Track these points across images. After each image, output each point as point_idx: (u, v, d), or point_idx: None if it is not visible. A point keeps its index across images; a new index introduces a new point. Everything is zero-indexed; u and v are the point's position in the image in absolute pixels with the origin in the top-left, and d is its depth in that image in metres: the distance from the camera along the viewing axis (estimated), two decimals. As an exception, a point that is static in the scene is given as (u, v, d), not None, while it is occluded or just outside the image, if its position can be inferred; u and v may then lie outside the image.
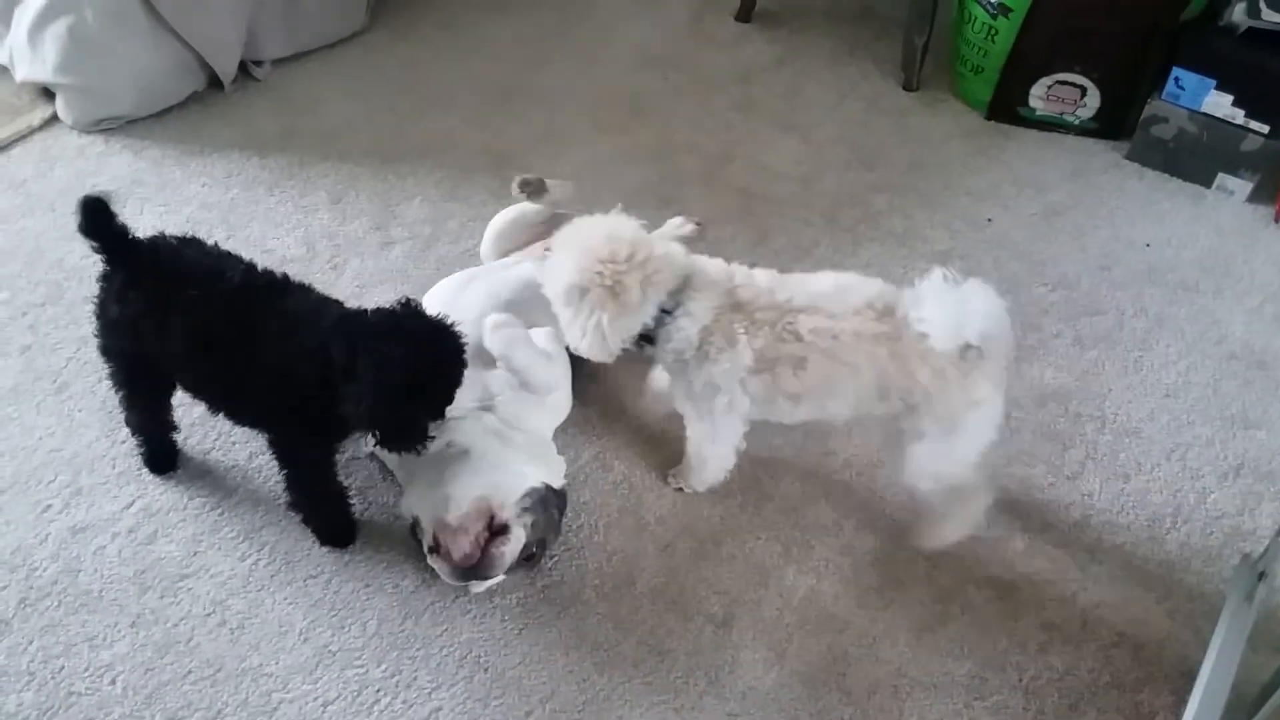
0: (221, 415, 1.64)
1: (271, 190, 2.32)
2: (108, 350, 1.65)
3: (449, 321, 1.46)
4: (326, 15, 2.70)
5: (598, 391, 1.94)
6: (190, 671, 1.56)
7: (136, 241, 1.55)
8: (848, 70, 2.74)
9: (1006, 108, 2.58)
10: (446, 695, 1.54)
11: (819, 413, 1.59)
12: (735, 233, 2.27)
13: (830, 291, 1.52)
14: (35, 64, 2.36)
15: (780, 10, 2.93)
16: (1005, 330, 1.47)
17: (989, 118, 2.60)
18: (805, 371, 1.49)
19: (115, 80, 2.37)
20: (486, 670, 1.57)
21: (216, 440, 1.83)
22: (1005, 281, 2.17)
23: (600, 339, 1.48)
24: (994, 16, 2.45)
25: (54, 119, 2.44)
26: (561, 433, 1.85)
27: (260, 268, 1.56)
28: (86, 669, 1.55)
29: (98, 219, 1.48)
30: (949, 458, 1.56)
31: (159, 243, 1.58)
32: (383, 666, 1.57)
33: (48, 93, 2.45)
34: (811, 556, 1.73)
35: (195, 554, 1.69)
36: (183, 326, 1.51)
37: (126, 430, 1.80)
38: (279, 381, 1.49)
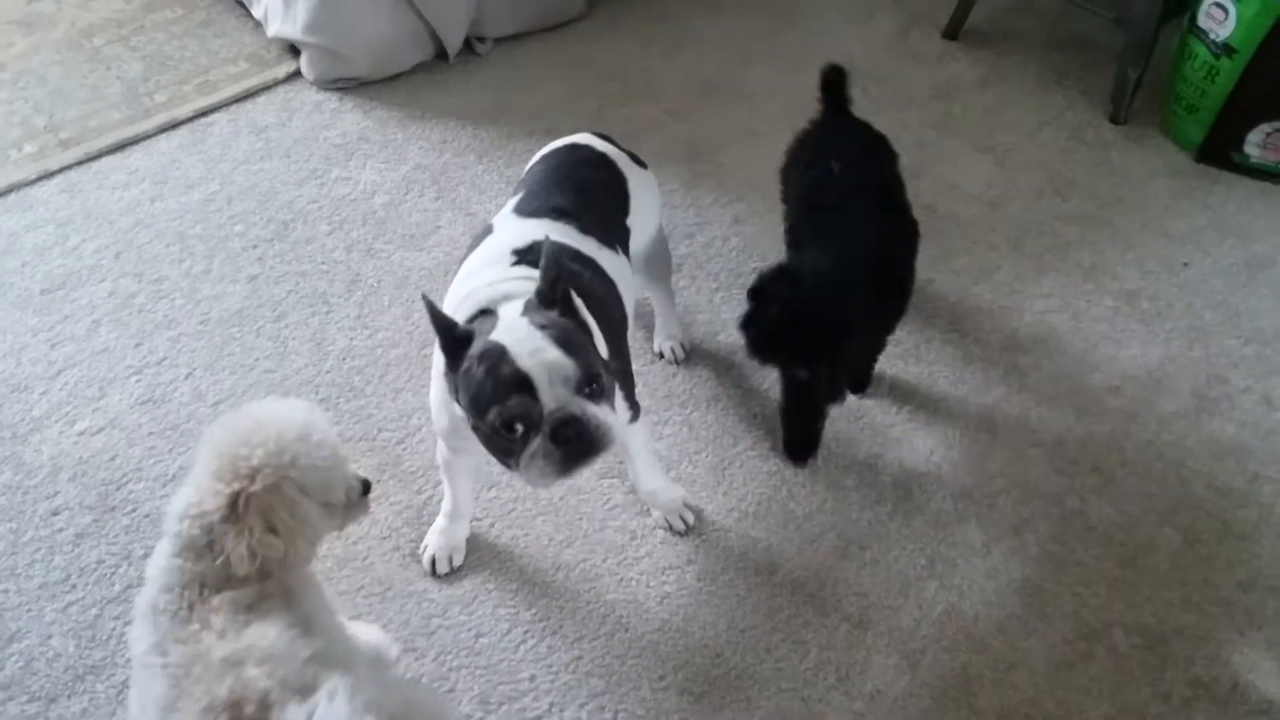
0: None
1: (480, 159, 2.48)
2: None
3: None
4: (549, 0, 2.85)
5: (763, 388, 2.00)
6: (362, 587, 1.71)
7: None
8: (1053, 97, 2.69)
9: (1219, 151, 2.48)
10: (588, 647, 1.64)
11: None
12: (917, 248, 2.28)
13: None
14: (286, 22, 2.60)
15: (990, 30, 2.90)
16: None
17: (1199, 160, 2.50)
18: None
19: (355, 44, 2.58)
20: (627, 630, 1.66)
21: (409, 380, 1.99)
22: (1195, 330, 2.11)
23: None
24: (1217, 56, 2.36)
25: (296, 74, 2.68)
26: (725, 415, 1.93)
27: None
28: (276, 569, 1.72)
29: (834, 80, 2.00)
30: None
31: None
32: (533, 610, 1.69)
33: (294, 49, 2.69)
34: (955, 574, 1.74)
35: (378, 482, 1.84)
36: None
37: (333, 360, 1.98)
38: None
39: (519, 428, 1.27)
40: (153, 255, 2.23)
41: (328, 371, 2.01)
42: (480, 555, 1.75)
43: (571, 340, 1.31)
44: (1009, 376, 2.03)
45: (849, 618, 1.68)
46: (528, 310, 1.34)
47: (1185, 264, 2.26)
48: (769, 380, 2.01)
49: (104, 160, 2.44)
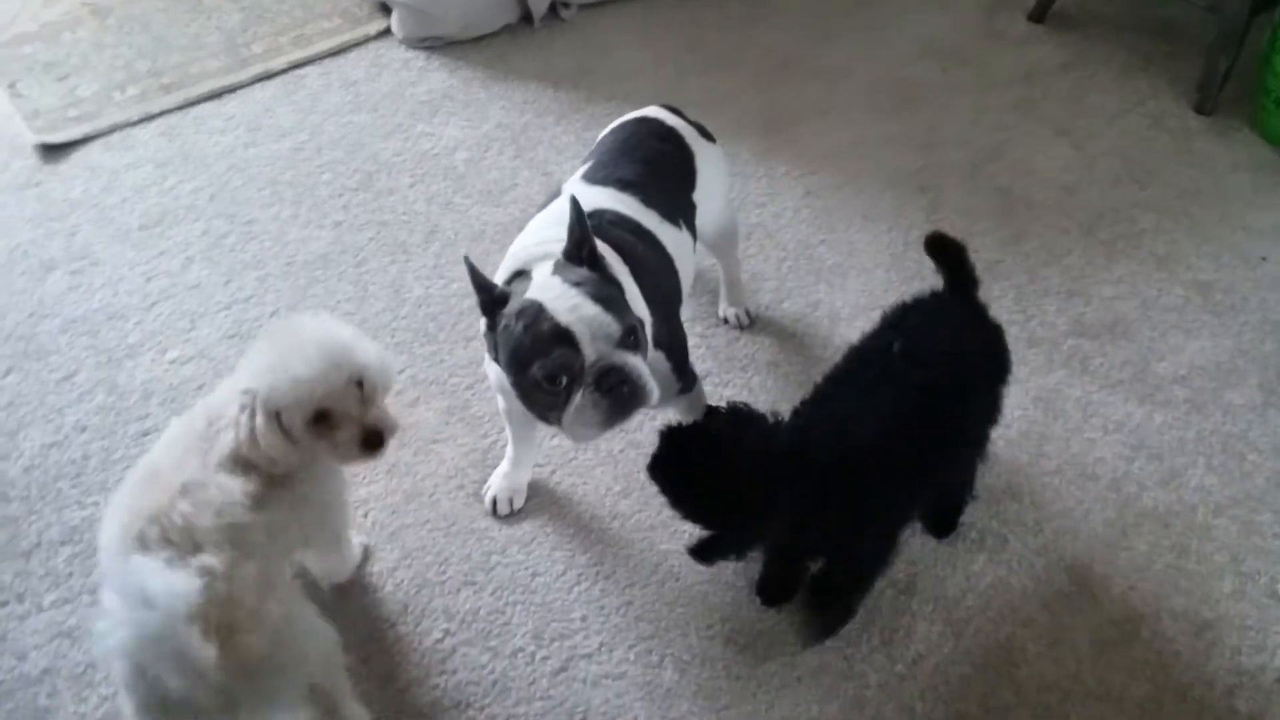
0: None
1: (559, 120, 2.53)
2: None
3: None
4: (634, -32, 2.88)
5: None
6: (428, 521, 1.79)
7: None
8: (1137, 83, 2.65)
9: (1309, 147, 2.43)
10: (639, 593, 1.70)
11: None
12: (988, 229, 2.28)
13: None
14: (380, -19, 2.68)
15: (1077, 14, 2.86)
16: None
17: (1286, 155, 2.46)
18: None
19: (446, 5, 2.65)
20: (677, 580, 1.72)
21: (480, 330, 2.06)
22: (1268, 324, 2.08)
23: None
24: (1314, 49, 2.31)
25: (387, 32, 2.76)
26: (784, 381, 1.97)
27: None
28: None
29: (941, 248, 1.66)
30: None
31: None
32: (588, 555, 1.75)
33: (385, 8, 2.77)
34: (1005, 549, 1.76)
35: (447, 424, 1.92)
36: None
37: (409, 307, 2.06)
38: None
39: (562, 380, 1.32)
40: (244, 198, 2.33)
41: (404, 317, 2.09)
42: (540, 500, 1.82)
43: (605, 295, 1.36)
44: (1072, 359, 2.04)
45: (895, 584, 1.71)
46: (558, 269, 1.39)
47: (1263, 259, 2.23)
48: (831, 348, 2.04)
49: (202, 106, 2.55)
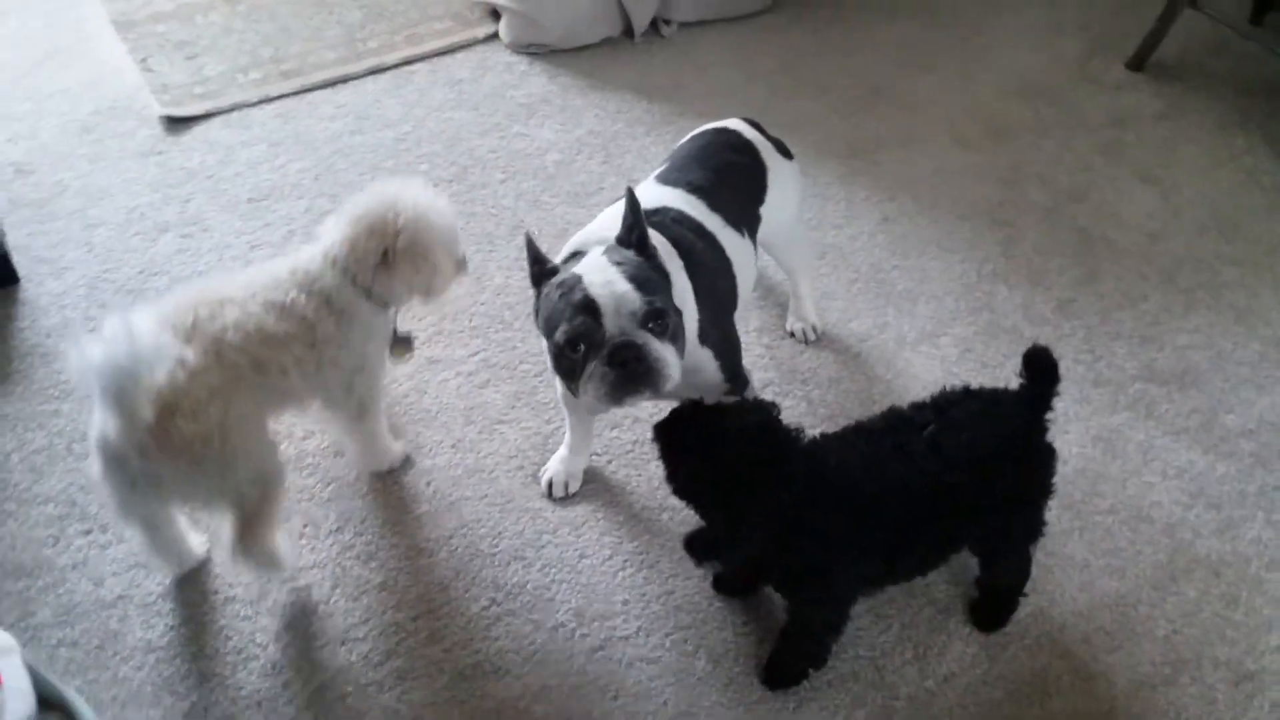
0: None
1: (650, 131, 2.62)
2: None
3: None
4: (739, -9, 2.97)
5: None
6: (486, 496, 1.87)
7: None
8: (1233, 139, 2.63)
9: None
10: (680, 584, 1.75)
11: None
12: (1063, 267, 2.29)
13: None
14: (492, -13, 2.81)
15: (1176, 66, 2.84)
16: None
17: (1384, 221, 2.41)
18: None
19: (551, 14, 2.76)
20: (719, 576, 1.76)
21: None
22: (1347, 387, 2.05)
23: None
24: None
25: (494, 36, 2.89)
26: (844, 397, 2.00)
27: None
28: (411, 468, 1.90)
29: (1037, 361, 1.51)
30: None
31: None
32: (635, 543, 1.80)
33: (494, 13, 2.90)
34: (1049, 581, 1.76)
35: (513, 407, 2.01)
36: None
37: (489, 294, 2.16)
38: None
39: (581, 347, 1.41)
40: (347, 181, 2.46)
41: (483, 303, 2.18)
42: (594, 486, 1.88)
43: (642, 277, 1.43)
44: (1138, 403, 2.03)
45: (935, 602, 1.72)
46: (608, 251, 1.48)
47: (1348, 321, 2.19)
48: (894, 370, 2.07)
49: (317, 93, 2.70)
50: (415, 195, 1.65)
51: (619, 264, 1.43)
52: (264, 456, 1.60)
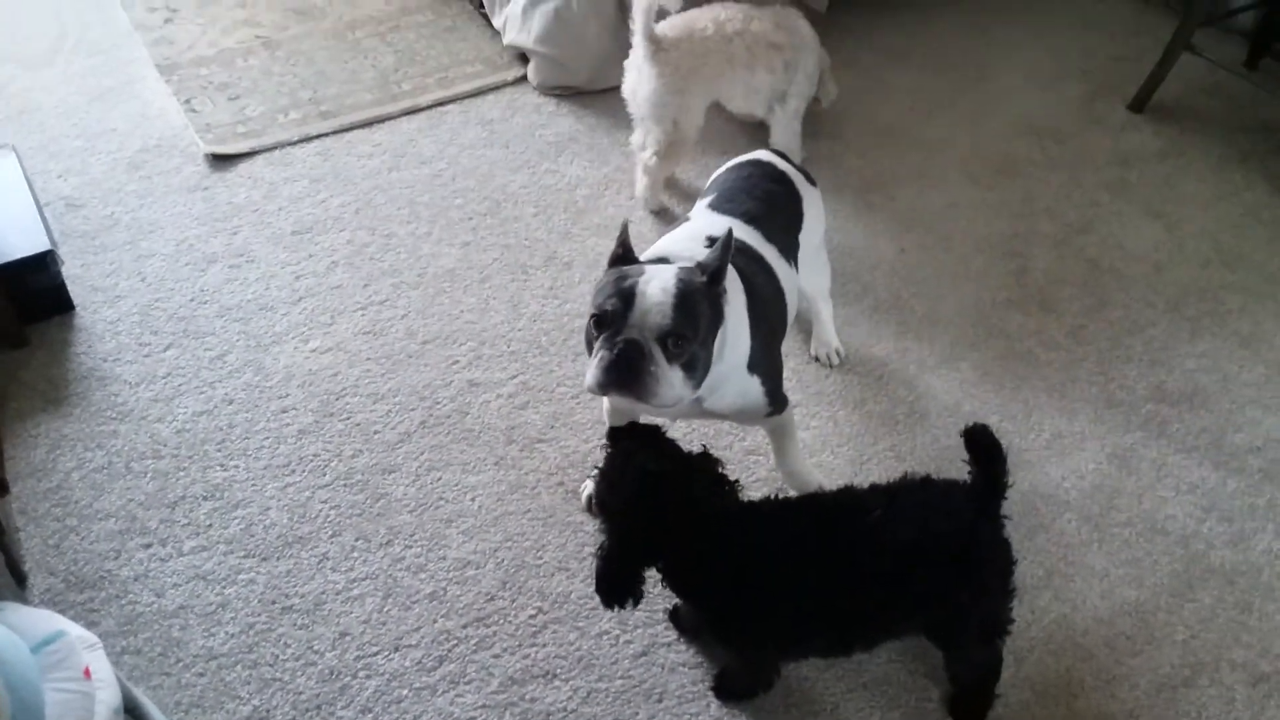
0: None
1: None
2: None
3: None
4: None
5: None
6: (529, 511, 1.95)
7: None
8: (1233, 176, 2.75)
9: (1402, 246, 2.49)
10: (718, 594, 1.82)
11: None
12: (1074, 295, 2.39)
13: None
14: (521, 32, 2.94)
15: (1176, 107, 2.98)
16: None
17: (1380, 253, 2.52)
18: None
19: (579, 57, 2.89)
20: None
21: (580, 346, 2.23)
22: (1348, 407, 2.14)
23: None
24: None
25: (523, 79, 3.02)
26: (868, 418, 2.09)
27: None
28: (456, 484, 1.99)
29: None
30: None
31: None
32: (673, 555, 1.88)
33: (524, 57, 3.03)
34: (1071, 589, 1.84)
35: (551, 427, 2.09)
36: None
37: (525, 321, 2.25)
38: None
39: (603, 325, 1.49)
40: (385, 215, 2.57)
41: (520, 330, 2.28)
42: (633, 502, 1.96)
43: (690, 305, 1.46)
44: (1150, 423, 2.12)
45: (963, 609, 1.80)
46: (684, 268, 1.55)
47: (1347, 345, 2.29)
48: (915, 393, 2.16)
49: (354, 133, 2.82)
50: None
51: (682, 282, 1.49)
52: None
